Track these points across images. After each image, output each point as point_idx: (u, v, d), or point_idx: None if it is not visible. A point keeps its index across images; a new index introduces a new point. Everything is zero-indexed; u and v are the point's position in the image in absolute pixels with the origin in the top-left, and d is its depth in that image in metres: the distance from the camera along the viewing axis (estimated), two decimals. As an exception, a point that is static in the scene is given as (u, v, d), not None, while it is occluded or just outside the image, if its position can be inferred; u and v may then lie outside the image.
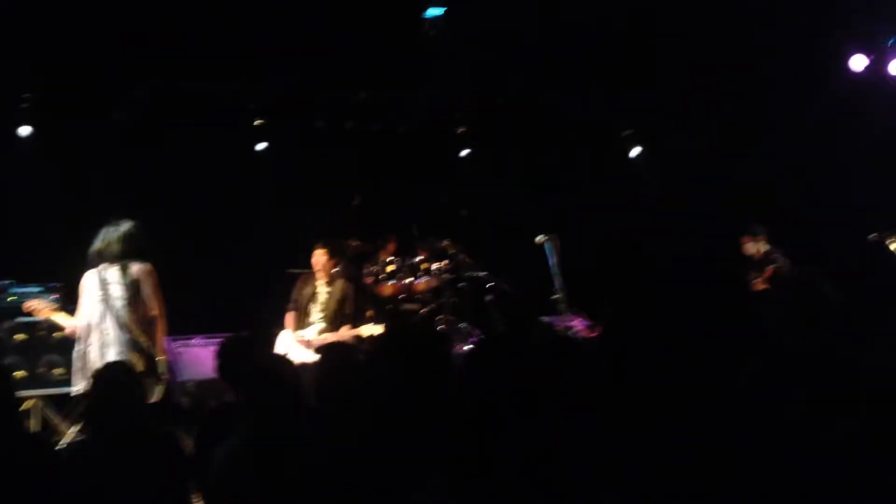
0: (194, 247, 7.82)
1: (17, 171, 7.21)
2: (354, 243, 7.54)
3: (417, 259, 7.77)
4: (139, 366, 4.84)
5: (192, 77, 7.50)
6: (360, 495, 2.73)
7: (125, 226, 5.16)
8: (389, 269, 7.75)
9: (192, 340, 7.09)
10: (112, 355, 4.88)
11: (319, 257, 6.55)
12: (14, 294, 6.19)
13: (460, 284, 7.85)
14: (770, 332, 3.09)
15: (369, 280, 7.75)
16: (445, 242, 7.86)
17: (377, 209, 8.18)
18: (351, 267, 7.31)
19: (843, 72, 7.62)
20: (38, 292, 6.51)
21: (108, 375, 3.47)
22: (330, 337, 6.37)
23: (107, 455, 3.20)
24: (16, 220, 7.00)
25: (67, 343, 6.10)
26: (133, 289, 5.05)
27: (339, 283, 6.65)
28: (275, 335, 6.94)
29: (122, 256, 5.08)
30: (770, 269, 7.23)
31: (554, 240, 7.19)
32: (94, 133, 7.44)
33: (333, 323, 6.54)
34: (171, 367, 6.45)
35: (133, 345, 5.02)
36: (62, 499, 3.04)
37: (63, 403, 6.52)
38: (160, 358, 5.13)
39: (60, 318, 5.27)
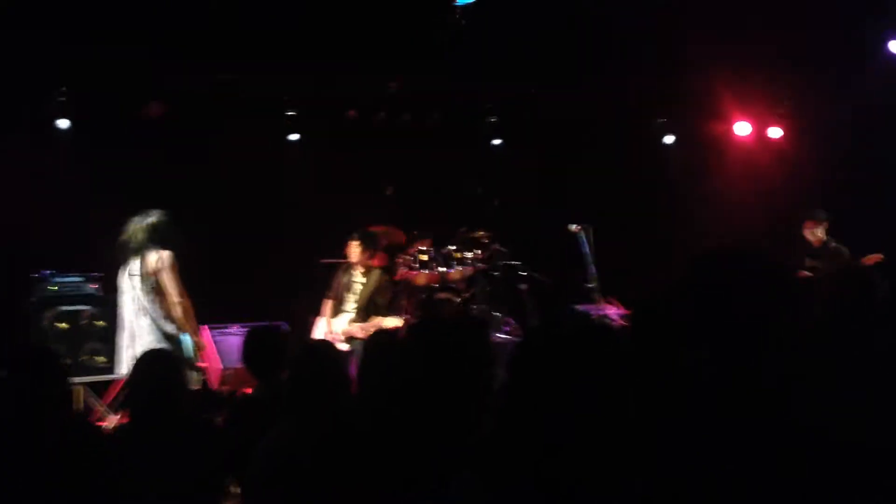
0: (234, 237, 7.91)
1: (57, 163, 7.33)
2: (389, 232, 7.58)
3: (451, 248, 7.79)
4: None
5: (223, 69, 7.55)
6: (395, 485, 2.74)
7: (151, 216, 5.24)
8: (423, 258, 7.79)
9: (229, 329, 7.19)
10: (141, 346, 4.96)
11: (353, 249, 6.68)
12: (56, 284, 6.31)
13: (494, 273, 7.86)
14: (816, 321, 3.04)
15: (403, 270, 7.79)
16: (479, 232, 7.88)
17: (411, 199, 8.21)
18: (386, 257, 7.39)
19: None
20: (79, 282, 6.65)
21: (146, 364, 3.53)
22: (355, 328, 6.49)
23: (147, 441, 3.26)
24: (56, 211, 7.11)
25: (109, 331, 6.26)
26: (153, 278, 5.14)
27: (375, 274, 6.77)
28: (311, 323, 7.07)
29: (145, 247, 5.16)
30: (873, 257, 7.02)
31: (587, 228, 7.14)
32: (131, 124, 7.52)
33: (365, 313, 6.65)
34: (209, 355, 6.59)
35: (161, 334, 5.11)
36: (105, 482, 3.11)
37: (104, 391, 6.67)
38: (193, 343, 5.21)
39: None
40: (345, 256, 6.82)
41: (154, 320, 5.11)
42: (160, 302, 5.14)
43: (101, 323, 6.43)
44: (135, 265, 5.19)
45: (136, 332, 5.12)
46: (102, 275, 6.51)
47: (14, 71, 6.80)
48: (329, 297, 6.83)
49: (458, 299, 7.76)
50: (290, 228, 8.16)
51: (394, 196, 8.08)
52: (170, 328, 5.13)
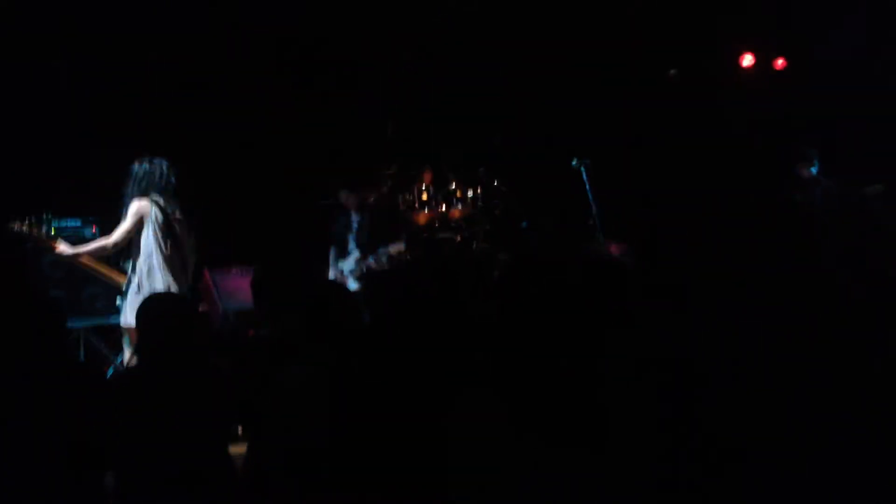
0: (230, 180, 7.84)
1: (55, 105, 7.21)
2: (390, 172, 7.51)
3: (452, 187, 7.74)
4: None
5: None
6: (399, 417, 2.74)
7: (137, 165, 5.19)
8: (424, 197, 7.74)
9: (230, 271, 7.16)
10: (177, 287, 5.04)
11: (346, 198, 6.70)
12: (54, 228, 6.25)
13: (495, 212, 7.82)
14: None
15: (403, 208, 7.75)
16: (480, 170, 7.81)
17: (412, 138, 8.11)
18: (387, 196, 7.35)
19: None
20: (77, 226, 6.59)
21: (154, 305, 3.49)
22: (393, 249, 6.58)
23: (153, 386, 3.24)
24: (53, 153, 7.02)
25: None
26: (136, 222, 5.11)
27: (369, 214, 6.78)
28: (314, 264, 7.09)
29: (131, 195, 5.12)
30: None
31: (588, 164, 7.01)
32: (127, 68, 7.37)
33: (368, 249, 6.69)
34: (212, 297, 6.58)
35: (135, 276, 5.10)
36: (110, 424, 3.10)
37: (105, 333, 6.67)
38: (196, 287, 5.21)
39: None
40: (341, 200, 6.82)
41: (135, 262, 5.11)
42: (136, 244, 5.14)
43: (99, 267, 6.39)
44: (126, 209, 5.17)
45: (147, 273, 5.11)
46: (100, 218, 6.45)
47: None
48: (331, 243, 6.85)
49: (459, 238, 7.74)
50: (289, 168, 8.08)
51: (395, 135, 7.96)
52: (141, 269, 5.12)
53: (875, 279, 2.81)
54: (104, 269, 5.33)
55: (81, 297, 6.50)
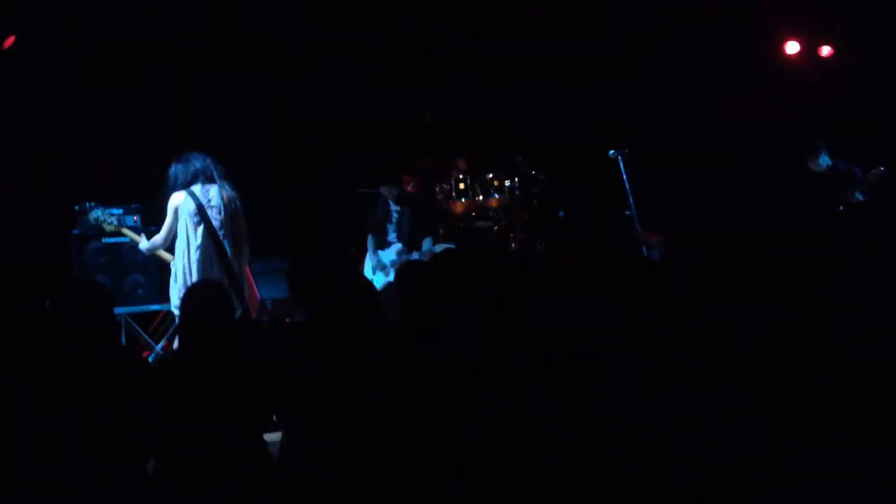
0: (272, 170, 7.90)
1: (98, 97, 7.31)
2: (426, 161, 7.51)
3: (489, 176, 7.73)
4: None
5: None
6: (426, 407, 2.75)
7: (181, 161, 5.28)
8: (461, 186, 7.74)
9: (270, 260, 7.23)
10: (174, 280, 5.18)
11: (387, 188, 6.72)
12: (97, 217, 6.38)
13: (533, 201, 7.79)
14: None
15: (441, 198, 7.76)
16: (517, 159, 7.79)
17: (448, 128, 8.10)
18: (424, 185, 7.35)
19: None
20: (119, 214, 6.70)
21: (198, 295, 3.54)
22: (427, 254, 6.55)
23: (193, 372, 3.29)
24: (96, 143, 7.13)
25: (150, 263, 6.34)
26: (230, 209, 5.24)
27: (410, 204, 6.76)
28: (351, 252, 7.11)
29: (172, 189, 5.23)
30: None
31: (626, 154, 6.93)
32: (170, 62, 7.46)
33: (410, 243, 6.69)
34: (251, 286, 6.66)
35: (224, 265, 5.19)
36: (151, 413, 3.15)
37: (147, 321, 6.78)
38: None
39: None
40: (379, 187, 6.83)
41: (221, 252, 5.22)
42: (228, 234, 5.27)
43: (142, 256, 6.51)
44: (207, 196, 5.27)
45: (204, 260, 5.20)
46: (140, 206, 6.58)
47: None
48: (369, 232, 6.83)
49: (496, 227, 7.73)
50: (329, 158, 8.11)
51: (430, 124, 7.96)
52: (180, 263, 5.23)
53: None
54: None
55: (124, 284, 6.61)
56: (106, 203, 6.52)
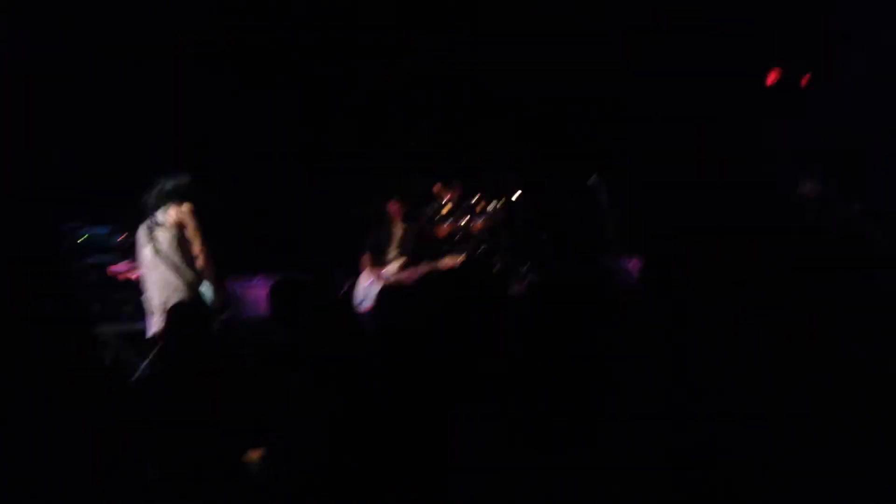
0: (260, 188, 7.97)
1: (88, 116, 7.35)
2: (412, 184, 7.65)
3: (474, 200, 7.83)
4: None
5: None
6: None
7: (174, 179, 5.37)
8: (446, 209, 7.84)
9: (256, 279, 7.28)
10: (165, 296, 5.21)
11: (392, 207, 6.83)
12: (84, 235, 6.43)
13: (516, 224, 7.88)
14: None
15: (425, 221, 7.85)
16: (501, 181, 7.89)
17: (439, 151, 8.22)
18: (414, 207, 7.49)
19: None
20: (106, 234, 6.77)
21: (176, 315, 3.62)
22: (407, 273, 6.66)
23: (173, 389, 3.35)
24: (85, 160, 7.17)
25: (135, 281, 6.39)
26: (176, 229, 5.30)
27: (411, 224, 6.96)
28: (339, 275, 7.20)
29: (168, 201, 5.32)
30: None
31: (602, 181, 7.09)
32: (157, 78, 7.52)
33: (410, 261, 6.85)
34: (236, 306, 6.71)
35: (182, 282, 5.26)
36: (134, 431, 3.20)
37: (132, 339, 6.81)
38: (213, 291, 5.33)
39: None
40: (378, 207, 6.99)
41: (177, 270, 5.24)
42: (183, 252, 5.30)
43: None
44: (160, 217, 5.31)
45: (159, 283, 5.25)
46: (125, 225, 6.63)
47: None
48: (367, 251, 6.99)
49: (479, 250, 7.82)
50: (322, 178, 8.20)
51: (417, 148, 8.08)
52: (190, 277, 5.26)
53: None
54: None
55: (110, 301, 6.65)
56: (91, 222, 6.58)
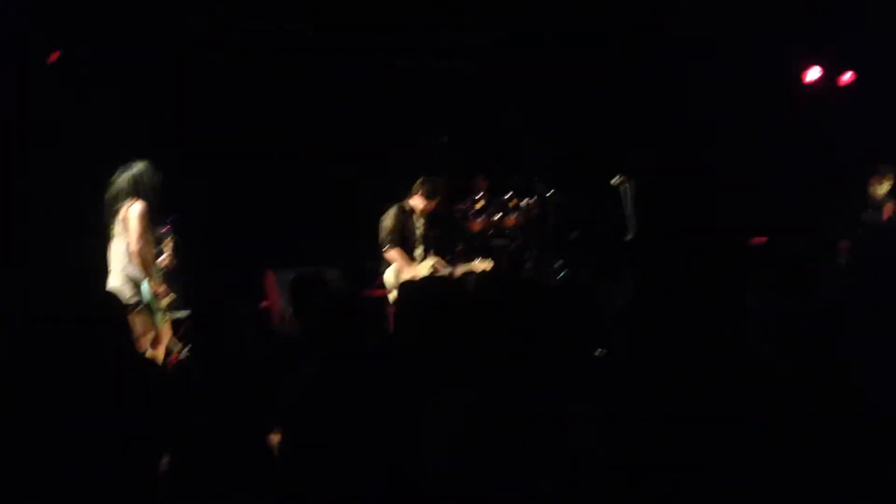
0: (298, 182, 8.09)
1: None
2: (442, 181, 7.67)
3: (507, 196, 7.91)
4: (129, 296, 5.20)
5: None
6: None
7: (134, 168, 5.37)
8: (479, 205, 7.93)
9: (292, 273, 7.43)
10: (111, 287, 5.21)
11: (419, 202, 6.80)
12: None
13: (549, 221, 7.95)
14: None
15: (459, 216, 7.96)
16: (535, 179, 7.96)
17: (466, 147, 8.26)
18: (443, 204, 7.47)
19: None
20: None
21: (205, 306, 3.76)
22: (442, 271, 6.61)
23: (204, 378, 3.49)
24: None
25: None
26: (121, 226, 5.32)
27: (436, 221, 6.92)
28: (367, 268, 7.26)
29: (126, 196, 5.31)
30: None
31: (630, 182, 7.09)
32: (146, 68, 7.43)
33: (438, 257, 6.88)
34: (275, 296, 6.88)
35: (125, 277, 5.30)
36: (163, 412, 3.33)
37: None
38: (150, 289, 5.35)
39: None
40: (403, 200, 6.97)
41: (123, 265, 5.34)
42: (127, 248, 5.34)
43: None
44: (118, 214, 5.37)
45: (119, 276, 5.35)
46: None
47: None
48: (396, 244, 6.90)
49: (513, 246, 7.90)
50: (352, 172, 8.26)
51: (447, 144, 8.11)
52: (132, 272, 5.32)
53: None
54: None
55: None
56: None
